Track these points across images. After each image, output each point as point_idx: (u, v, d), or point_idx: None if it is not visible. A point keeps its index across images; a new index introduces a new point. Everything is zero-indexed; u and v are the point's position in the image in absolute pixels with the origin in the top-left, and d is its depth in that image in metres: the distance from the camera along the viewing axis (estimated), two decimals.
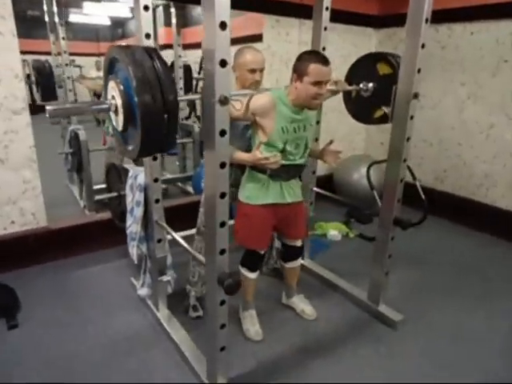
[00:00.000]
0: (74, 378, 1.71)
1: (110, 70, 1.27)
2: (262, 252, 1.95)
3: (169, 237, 1.91)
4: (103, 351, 1.87)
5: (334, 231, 3.18)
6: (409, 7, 1.73)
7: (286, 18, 3.24)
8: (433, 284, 2.54)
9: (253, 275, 1.99)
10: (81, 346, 1.90)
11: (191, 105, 5.12)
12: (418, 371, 1.80)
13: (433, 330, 2.09)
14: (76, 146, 3.15)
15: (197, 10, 6.06)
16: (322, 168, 3.89)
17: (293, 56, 1.76)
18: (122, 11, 7.93)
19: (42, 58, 5.26)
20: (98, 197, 2.51)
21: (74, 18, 7.39)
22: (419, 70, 1.77)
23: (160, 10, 4.88)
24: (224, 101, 1.20)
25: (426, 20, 1.70)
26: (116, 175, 2.11)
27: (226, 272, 1.39)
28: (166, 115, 1.20)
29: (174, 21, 3.99)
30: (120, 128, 1.28)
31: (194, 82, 4.59)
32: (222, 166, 1.27)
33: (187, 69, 4.41)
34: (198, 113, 5.18)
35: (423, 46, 1.73)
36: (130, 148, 1.31)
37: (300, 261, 2.16)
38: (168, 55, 5.08)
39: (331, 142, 1.94)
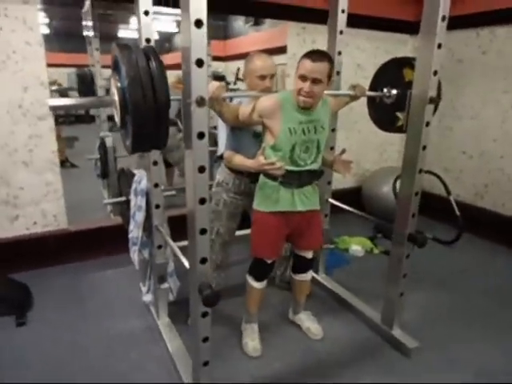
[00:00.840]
0: (60, 377, 1.73)
1: (114, 67, 1.29)
2: (270, 261, 1.85)
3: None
4: (96, 354, 1.87)
5: (357, 246, 3.01)
6: (424, 3, 1.59)
7: (312, 24, 3.17)
8: (460, 310, 2.29)
9: (258, 285, 1.89)
10: (74, 349, 1.91)
11: None
12: None
13: (453, 363, 1.86)
14: (103, 152, 3.26)
15: (238, 22, 6.17)
16: (349, 180, 3.75)
17: None
18: (169, 26, 8.32)
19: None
20: (105, 201, 2.55)
21: (123, 33, 7.85)
22: (435, 73, 1.62)
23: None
24: (201, 102, 1.15)
25: (443, 18, 1.55)
26: (126, 180, 2.13)
27: (206, 282, 1.32)
28: (157, 114, 1.21)
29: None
30: (119, 123, 1.30)
31: None
32: (201, 170, 1.22)
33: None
34: None
35: (440, 46, 1.58)
36: (127, 143, 1.32)
37: (310, 275, 2.04)
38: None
39: (343, 151, 1.82)
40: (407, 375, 1.78)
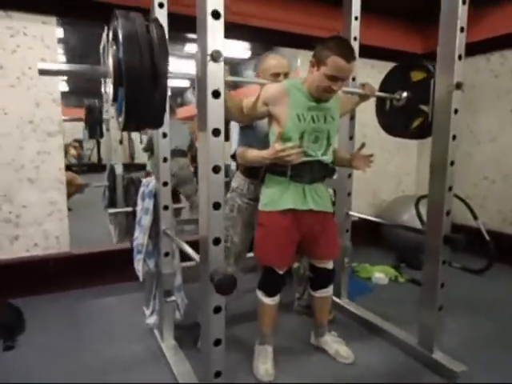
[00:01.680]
0: None
1: (113, 37, 1.22)
2: (281, 272, 1.64)
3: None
4: (89, 381, 1.61)
5: (380, 274, 2.77)
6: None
7: None
8: (500, 336, 1.99)
9: (270, 301, 1.67)
10: (65, 374, 1.66)
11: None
12: None
13: None
14: (112, 180, 3.18)
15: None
16: (367, 212, 3.57)
17: None
18: (182, 82, 8.74)
19: None
20: (111, 210, 2.41)
21: None
22: (460, 57, 1.54)
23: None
24: (216, 94, 1.09)
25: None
26: (133, 189, 2.00)
27: (219, 269, 1.14)
28: (154, 82, 1.11)
29: None
30: (111, 96, 1.20)
31: None
32: (216, 206, 1.14)
33: None
34: None
35: (462, 30, 1.52)
36: (121, 119, 1.20)
37: (332, 290, 1.81)
38: None
39: (363, 145, 1.70)
40: None
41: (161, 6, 1.59)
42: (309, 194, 1.60)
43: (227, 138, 2.02)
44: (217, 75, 1.09)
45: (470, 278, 2.82)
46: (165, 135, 1.73)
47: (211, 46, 1.06)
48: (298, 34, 2.98)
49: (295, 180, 1.58)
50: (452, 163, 1.60)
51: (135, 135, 6.78)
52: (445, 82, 1.58)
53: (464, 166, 3.42)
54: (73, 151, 8.94)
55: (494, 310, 2.29)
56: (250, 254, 1.95)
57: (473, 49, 3.14)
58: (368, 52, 2.32)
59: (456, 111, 1.58)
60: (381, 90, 2.06)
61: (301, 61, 3.13)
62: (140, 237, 1.76)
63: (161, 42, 1.13)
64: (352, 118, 2.11)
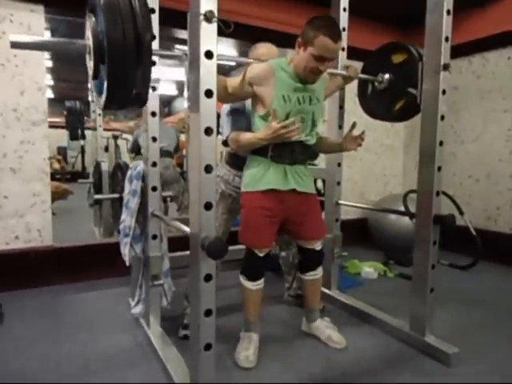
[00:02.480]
0: None
1: (90, 9, 1.18)
2: (262, 254, 1.60)
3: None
4: (73, 370, 1.53)
5: (370, 269, 2.76)
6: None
7: None
8: (489, 324, 1.99)
9: (252, 285, 1.62)
10: (47, 363, 1.57)
11: None
12: None
13: (500, 367, 1.56)
14: (97, 177, 3.12)
15: None
16: (355, 212, 3.57)
17: None
18: (170, 89, 8.73)
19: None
20: (97, 196, 2.35)
21: None
22: (447, 39, 1.58)
23: None
24: (209, 93, 1.09)
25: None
26: (121, 174, 1.96)
27: (211, 235, 1.11)
28: (138, 55, 1.07)
29: None
30: (91, 73, 1.16)
31: None
32: (207, 206, 1.12)
33: None
34: None
35: (449, 13, 1.56)
36: (102, 96, 1.15)
37: (321, 271, 1.78)
38: None
39: (354, 124, 1.71)
40: (451, 381, 1.46)
41: None
42: (290, 174, 1.58)
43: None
44: (209, 74, 1.08)
45: (457, 274, 2.83)
46: (154, 139, 1.69)
47: (204, 46, 1.06)
48: (285, 33, 3.02)
49: (276, 161, 1.56)
50: (441, 143, 1.62)
51: (121, 142, 6.73)
52: (433, 62, 1.61)
53: (449, 166, 3.47)
54: (56, 165, 8.80)
55: (481, 301, 2.29)
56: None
57: (455, 51, 3.24)
58: (356, 54, 2.36)
59: (444, 92, 1.60)
60: (363, 71, 2.09)
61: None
62: (127, 219, 1.71)
63: (144, 13, 1.10)
64: (341, 107, 2.13)
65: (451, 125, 3.41)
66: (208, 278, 1.13)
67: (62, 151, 9.45)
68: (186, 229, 1.25)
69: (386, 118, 2.07)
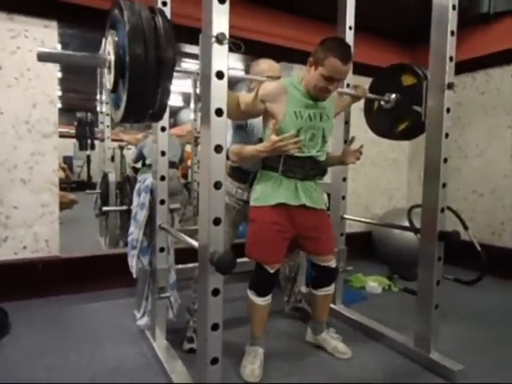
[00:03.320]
0: None
1: (111, 25, 1.23)
2: (272, 271, 1.60)
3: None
4: (80, 382, 1.54)
5: (374, 283, 2.75)
6: None
7: None
8: (495, 341, 1.98)
9: (261, 301, 1.63)
10: (55, 374, 1.58)
11: None
12: None
13: None
14: (104, 187, 3.15)
15: None
16: (359, 225, 3.58)
17: None
18: (176, 100, 8.84)
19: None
20: (105, 208, 2.37)
21: None
22: (451, 58, 1.61)
23: None
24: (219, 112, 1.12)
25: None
26: (129, 187, 1.99)
27: (219, 249, 1.13)
28: (159, 73, 1.11)
29: None
30: (110, 86, 1.19)
31: None
32: (216, 222, 1.15)
33: None
34: None
35: (452, 34, 1.60)
36: (119, 109, 1.18)
37: (333, 287, 1.80)
38: None
39: (353, 138, 1.74)
40: None
41: (164, 4, 1.63)
42: (301, 189, 1.60)
43: None
44: (220, 94, 1.11)
45: (462, 290, 2.83)
46: (163, 153, 1.72)
47: (216, 66, 1.10)
48: (292, 49, 3.08)
49: (287, 175, 1.58)
50: (445, 160, 1.64)
51: (127, 152, 6.79)
52: (437, 81, 1.64)
53: (453, 181, 3.49)
54: (61, 173, 8.86)
55: (486, 317, 2.28)
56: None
57: (459, 68, 3.28)
58: (361, 69, 2.40)
59: (448, 110, 1.63)
60: (371, 89, 2.13)
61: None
62: (135, 232, 1.74)
63: (166, 29, 1.15)
64: (347, 122, 2.16)
65: (455, 140, 3.43)
66: (216, 292, 1.15)
67: (67, 160, 9.55)
68: (195, 243, 1.28)
69: (390, 136, 2.10)
